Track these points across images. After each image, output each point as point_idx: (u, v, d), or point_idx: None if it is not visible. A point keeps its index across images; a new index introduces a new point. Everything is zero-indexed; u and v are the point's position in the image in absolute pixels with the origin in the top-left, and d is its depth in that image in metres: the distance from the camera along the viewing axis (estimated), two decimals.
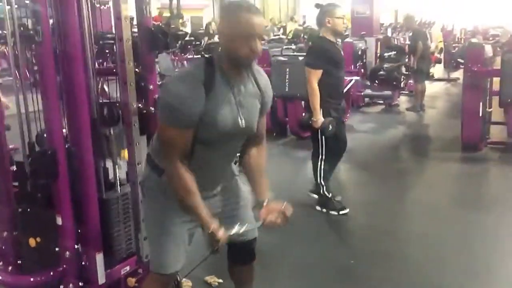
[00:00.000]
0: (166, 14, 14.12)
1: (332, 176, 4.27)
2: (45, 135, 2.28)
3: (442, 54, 12.92)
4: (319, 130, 3.94)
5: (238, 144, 2.07)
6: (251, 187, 2.14)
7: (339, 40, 4.11)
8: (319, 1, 4.11)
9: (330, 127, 3.84)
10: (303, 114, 6.40)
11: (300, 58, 6.42)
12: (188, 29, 15.13)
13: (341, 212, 4.10)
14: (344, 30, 4.28)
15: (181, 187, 1.90)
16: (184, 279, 2.73)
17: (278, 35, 13.53)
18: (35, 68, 2.23)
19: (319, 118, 3.83)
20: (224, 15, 1.87)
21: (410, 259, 3.36)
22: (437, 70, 12.77)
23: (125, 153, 2.40)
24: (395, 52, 8.85)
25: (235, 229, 1.96)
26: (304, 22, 17.92)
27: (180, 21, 14.10)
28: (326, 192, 4.12)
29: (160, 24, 7.44)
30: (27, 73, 2.44)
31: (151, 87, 2.48)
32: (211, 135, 1.90)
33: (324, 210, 4.14)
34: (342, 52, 4.07)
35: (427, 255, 3.38)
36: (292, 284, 2.81)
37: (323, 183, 4.11)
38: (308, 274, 3.13)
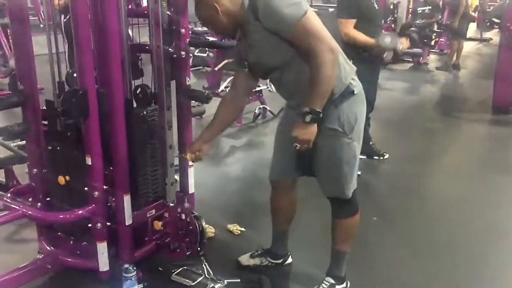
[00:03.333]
0: None
1: None
2: (75, 75, 2.27)
3: (477, 13, 12.45)
4: None
5: None
6: None
7: None
8: None
9: (390, 39, 3.62)
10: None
11: (331, 10, 6.25)
12: None
13: None
14: None
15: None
16: (207, 226, 2.76)
17: None
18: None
19: (375, 43, 3.61)
20: None
21: (431, 219, 3.33)
22: (470, 29, 12.36)
23: None
24: (429, 8, 8.55)
25: None
26: None
27: None
28: None
29: None
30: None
31: (182, 30, 2.42)
32: None
33: None
34: (376, 6, 3.80)
35: (449, 216, 3.35)
36: (317, 238, 2.84)
37: None
38: None
